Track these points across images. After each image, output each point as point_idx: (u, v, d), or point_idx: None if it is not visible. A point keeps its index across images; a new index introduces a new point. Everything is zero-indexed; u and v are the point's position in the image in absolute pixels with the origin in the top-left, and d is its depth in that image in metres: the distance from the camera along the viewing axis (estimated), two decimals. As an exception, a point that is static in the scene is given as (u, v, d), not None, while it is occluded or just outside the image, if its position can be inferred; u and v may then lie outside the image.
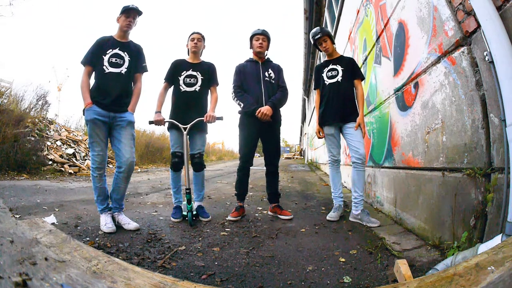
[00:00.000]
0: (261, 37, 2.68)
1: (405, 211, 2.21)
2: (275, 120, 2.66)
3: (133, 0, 2.35)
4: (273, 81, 2.71)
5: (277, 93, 2.69)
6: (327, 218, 2.55)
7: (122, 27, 2.28)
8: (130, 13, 2.26)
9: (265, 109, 2.54)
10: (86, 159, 7.55)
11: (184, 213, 2.56)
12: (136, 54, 2.34)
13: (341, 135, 2.64)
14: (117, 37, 2.30)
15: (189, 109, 2.58)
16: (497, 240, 1.04)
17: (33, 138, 6.54)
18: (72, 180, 5.69)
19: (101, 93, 2.19)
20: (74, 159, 7.22)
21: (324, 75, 2.63)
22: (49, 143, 7.05)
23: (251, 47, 2.75)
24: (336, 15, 5.64)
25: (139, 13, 2.30)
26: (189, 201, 2.44)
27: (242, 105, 2.64)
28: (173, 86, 2.67)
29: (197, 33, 2.69)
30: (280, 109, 2.74)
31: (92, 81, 2.26)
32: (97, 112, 2.15)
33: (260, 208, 3.16)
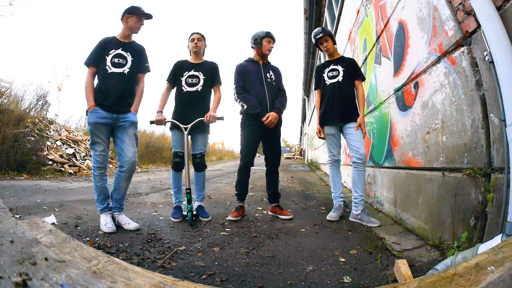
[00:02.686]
0: (272, 41, 2.72)
1: (405, 211, 2.21)
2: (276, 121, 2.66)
3: (135, 1, 2.35)
4: (274, 83, 2.72)
5: (279, 97, 2.72)
6: (327, 218, 2.55)
7: (132, 29, 2.29)
8: (142, 17, 2.29)
9: (273, 117, 2.57)
10: (86, 159, 7.55)
11: (184, 213, 2.56)
12: (139, 54, 2.34)
13: (341, 135, 2.64)
14: (120, 38, 2.30)
15: (191, 109, 2.58)
16: (497, 240, 1.04)
17: (33, 138, 6.54)
18: (72, 180, 5.69)
19: (103, 94, 2.19)
20: (74, 159, 7.21)
21: (325, 75, 2.63)
22: (49, 143, 7.05)
23: (259, 47, 2.69)
24: (336, 15, 5.64)
25: (148, 18, 2.34)
26: (189, 201, 2.44)
27: (245, 106, 2.62)
28: (176, 87, 2.67)
29: (197, 33, 2.68)
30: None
31: (95, 82, 2.27)
32: (100, 115, 2.15)
33: (260, 208, 3.16)
